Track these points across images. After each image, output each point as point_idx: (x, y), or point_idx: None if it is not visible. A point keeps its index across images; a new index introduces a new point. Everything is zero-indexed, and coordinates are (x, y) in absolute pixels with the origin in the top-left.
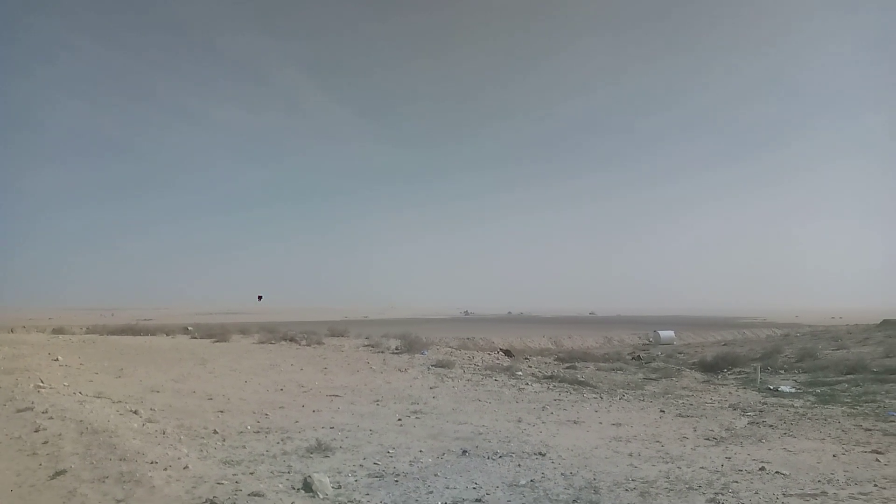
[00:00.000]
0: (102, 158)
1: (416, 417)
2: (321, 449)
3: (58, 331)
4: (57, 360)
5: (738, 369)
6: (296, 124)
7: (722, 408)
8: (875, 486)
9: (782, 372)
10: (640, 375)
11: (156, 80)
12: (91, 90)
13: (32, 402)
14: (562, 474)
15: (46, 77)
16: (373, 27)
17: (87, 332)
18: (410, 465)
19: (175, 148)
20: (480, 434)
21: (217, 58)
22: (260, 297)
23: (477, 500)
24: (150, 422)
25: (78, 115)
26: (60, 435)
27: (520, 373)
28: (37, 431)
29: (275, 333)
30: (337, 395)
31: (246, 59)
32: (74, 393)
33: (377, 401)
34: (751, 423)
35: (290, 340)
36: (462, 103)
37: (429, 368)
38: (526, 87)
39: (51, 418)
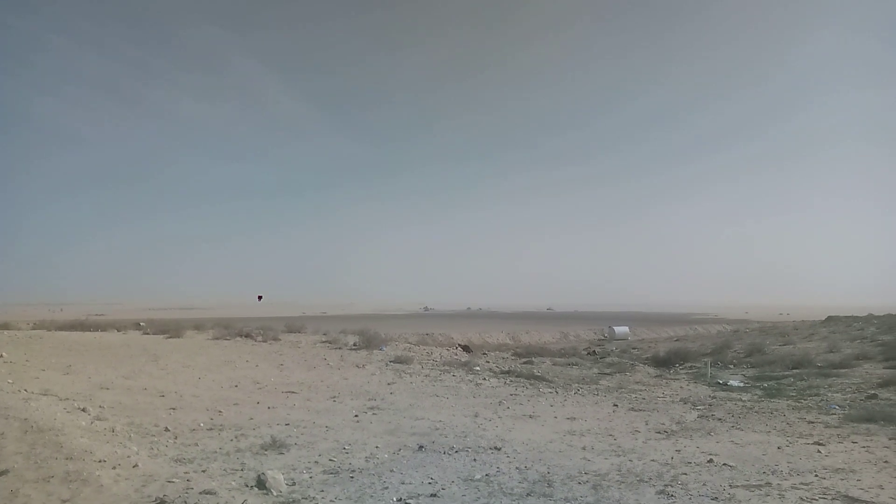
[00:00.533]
0: (59, 151)
1: (373, 413)
2: (276, 446)
3: (2, 326)
4: (1, 356)
5: (690, 364)
6: (256, 120)
7: (673, 402)
8: (816, 476)
9: (731, 367)
10: (595, 370)
11: (118, 74)
12: (47, 82)
13: None
14: (517, 468)
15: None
16: (337, 22)
17: (33, 328)
18: (366, 461)
19: (134, 141)
20: (437, 429)
21: (178, 51)
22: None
23: (432, 496)
24: (99, 419)
25: (39, 108)
26: (3, 434)
27: (477, 368)
28: None
29: (230, 329)
30: (293, 392)
31: (208, 52)
32: (19, 391)
33: (334, 397)
34: (700, 416)
35: (246, 336)
36: (420, 99)
37: (387, 364)
38: (484, 82)
39: None
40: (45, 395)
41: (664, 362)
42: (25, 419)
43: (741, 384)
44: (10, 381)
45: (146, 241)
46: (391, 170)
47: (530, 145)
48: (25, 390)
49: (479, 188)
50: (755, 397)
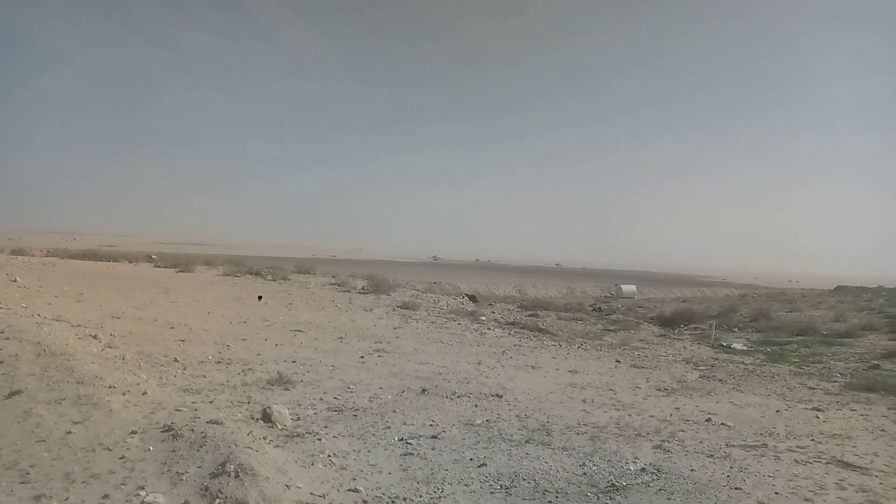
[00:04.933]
0: (72, 80)
1: (379, 356)
2: (282, 382)
3: (17, 252)
4: (15, 281)
5: (695, 325)
6: (274, 56)
7: (675, 361)
8: (812, 440)
9: (736, 330)
10: (600, 326)
11: (132, 4)
12: (66, 9)
13: None
14: (517, 416)
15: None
16: None
17: (46, 255)
18: (370, 400)
19: (148, 72)
20: (440, 374)
21: None
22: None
23: (433, 437)
24: (110, 347)
25: (52, 35)
26: (17, 356)
27: (483, 318)
28: None
29: (240, 267)
30: (300, 331)
31: None
32: (32, 315)
33: (341, 338)
34: (701, 376)
35: (256, 275)
36: (445, 51)
37: (394, 309)
38: (509, 39)
39: (7, 338)
40: (57, 320)
41: (669, 322)
42: (38, 343)
43: (745, 347)
44: (23, 305)
45: (159, 173)
46: (407, 120)
47: (551, 105)
48: (38, 315)
49: (495, 144)
50: (757, 361)
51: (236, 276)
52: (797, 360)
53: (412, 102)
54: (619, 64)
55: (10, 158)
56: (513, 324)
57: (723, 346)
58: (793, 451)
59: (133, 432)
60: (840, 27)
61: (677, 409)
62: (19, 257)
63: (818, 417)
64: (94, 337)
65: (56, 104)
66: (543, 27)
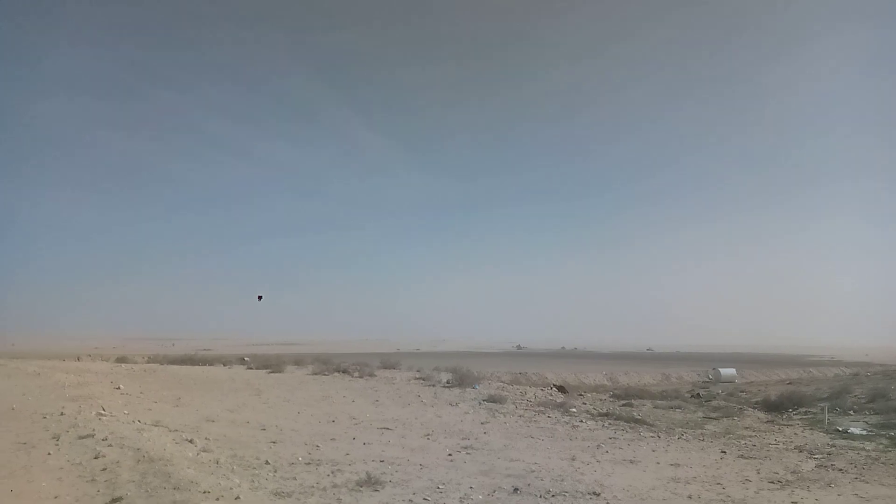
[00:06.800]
0: (154, 189)
1: (467, 453)
2: (371, 482)
3: (121, 360)
4: (118, 388)
5: (805, 409)
6: (342, 157)
7: (787, 449)
8: None
9: (852, 413)
10: (700, 414)
11: (208, 118)
12: (144, 127)
13: (94, 430)
14: None
15: (98, 109)
16: (414, 71)
17: (148, 362)
18: (460, 501)
19: (223, 179)
20: (532, 472)
21: (267, 97)
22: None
23: None
24: (205, 451)
25: (128, 147)
26: (118, 462)
27: (574, 409)
28: (96, 458)
29: (328, 365)
30: (388, 429)
31: (293, 97)
32: (133, 421)
33: (428, 435)
34: (818, 466)
35: (343, 372)
36: (513, 137)
37: (480, 403)
38: (574, 124)
39: (110, 445)
40: (156, 425)
41: (776, 407)
42: (138, 449)
43: (864, 432)
44: (125, 411)
45: (245, 276)
46: (483, 207)
47: (624, 185)
48: (139, 421)
49: (572, 227)
50: (881, 447)
51: (324, 375)
52: None
53: (487, 188)
54: (692, 143)
55: (118, 278)
56: (606, 415)
57: (838, 430)
58: None
59: None
60: None
61: (794, 503)
62: (123, 365)
63: None
64: (191, 441)
65: (153, 219)
66: (607, 117)
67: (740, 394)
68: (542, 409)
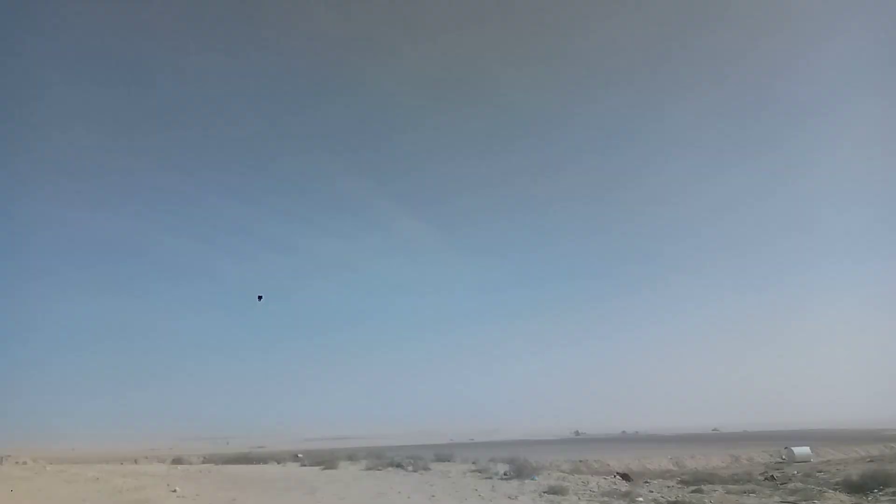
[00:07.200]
0: (205, 289)
1: None
2: None
3: (177, 461)
4: (174, 491)
5: (893, 489)
6: (387, 245)
7: None
8: None
9: None
10: (777, 498)
11: (264, 218)
12: (207, 231)
13: None
14: None
15: (157, 219)
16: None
17: (203, 462)
18: None
19: (271, 276)
20: None
21: (320, 196)
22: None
23: None
24: None
25: (190, 251)
26: None
27: (640, 498)
28: None
29: (381, 459)
30: None
31: (344, 193)
32: None
33: None
34: None
35: (397, 466)
36: (550, 217)
37: (540, 495)
38: (616, 197)
39: None
40: None
41: (859, 487)
42: None
43: None
44: None
45: (294, 367)
46: (529, 287)
47: (676, 251)
48: None
49: (624, 301)
50: None
51: (378, 470)
52: None
53: (530, 264)
54: (738, 206)
55: (168, 379)
56: (676, 503)
57: None
58: None
59: None
60: None
61: None
62: (178, 466)
63: None
64: None
65: (198, 315)
66: (649, 184)
67: (818, 474)
68: (606, 499)
